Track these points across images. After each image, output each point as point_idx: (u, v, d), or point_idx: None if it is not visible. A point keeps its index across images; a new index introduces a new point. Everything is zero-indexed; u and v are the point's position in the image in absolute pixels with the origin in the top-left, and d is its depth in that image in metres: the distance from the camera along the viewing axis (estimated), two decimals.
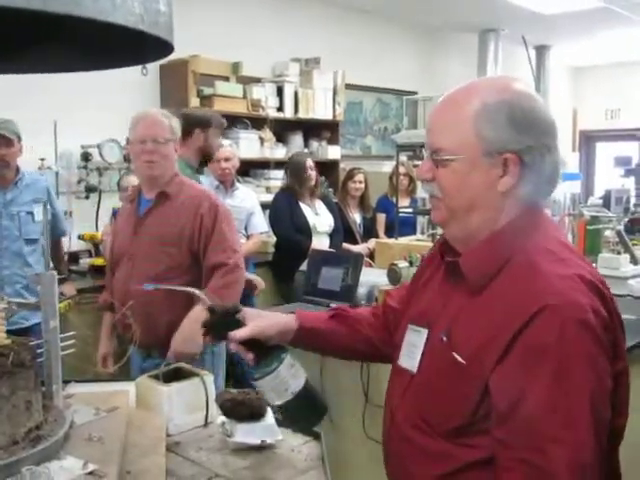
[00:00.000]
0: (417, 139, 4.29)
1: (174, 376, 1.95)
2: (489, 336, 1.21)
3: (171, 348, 2.57)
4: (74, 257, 4.78)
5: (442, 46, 8.39)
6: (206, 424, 1.92)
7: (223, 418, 1.84)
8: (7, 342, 1.46)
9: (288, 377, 1.51)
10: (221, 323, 1.52)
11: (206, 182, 4.40)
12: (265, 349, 1.53)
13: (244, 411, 1.81)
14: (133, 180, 3.90)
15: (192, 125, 3.50)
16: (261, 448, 1.78)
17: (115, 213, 3.68)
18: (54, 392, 1.62)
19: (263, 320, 1.56)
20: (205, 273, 2.66)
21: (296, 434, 1.89)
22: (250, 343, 1.51)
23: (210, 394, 1.92)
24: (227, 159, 4.46)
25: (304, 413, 1.59)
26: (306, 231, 4.83)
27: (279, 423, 1.85)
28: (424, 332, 1.41)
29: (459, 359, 1.26)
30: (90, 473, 1.36)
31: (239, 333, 1.49)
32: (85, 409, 1.68)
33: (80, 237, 4.86)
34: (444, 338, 1.32)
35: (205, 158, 3.69)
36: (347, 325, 1.68)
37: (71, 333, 1.65)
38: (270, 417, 1.85)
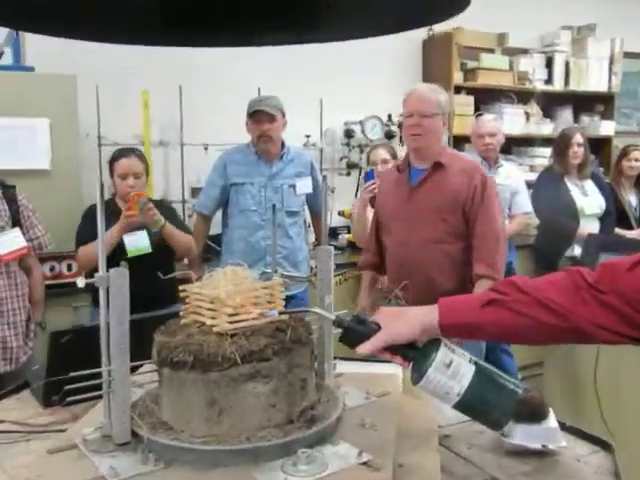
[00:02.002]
0: None
1: None
2: None
3: None
4: (333, 232, 4.88)
5: None
6: None
7: None
8: (284, 317, 1.43)
9: (445, 379, 1.27)
10: (352, 334, 1.31)
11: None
12: (416, 349, 1.31)
13: (524, 410, 1.62)
14: (382, 153, 3.88)
15: None
16: (541, 453, 1.58)
17: (368, 176, 3.63)
18: (326, 371, 1.58)
19: (399, 321, 1.32)
20: (474, 241, 2.79)
21: (582, 442, 1.67)
22: (395, 346, 1.30)
23: None
24: (491, 134, 4.23)
25: (484, 414, 1.34)
26: (572, 213, 4.42)
27: (562, 427, 1.63)
28: None
29: None
30: (364, 463, 1.27)
31: (370, 344, 1.29)
32: (356, 392, 1.61)
33: (340, 213, 4.94)
34: None
35: None
36: (509, 310, 1.29)
37: (344, 311, 1.58)
38: (553, 420, 1.63)
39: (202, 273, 1.52)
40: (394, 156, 3.92)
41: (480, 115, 4.97)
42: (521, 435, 1.60)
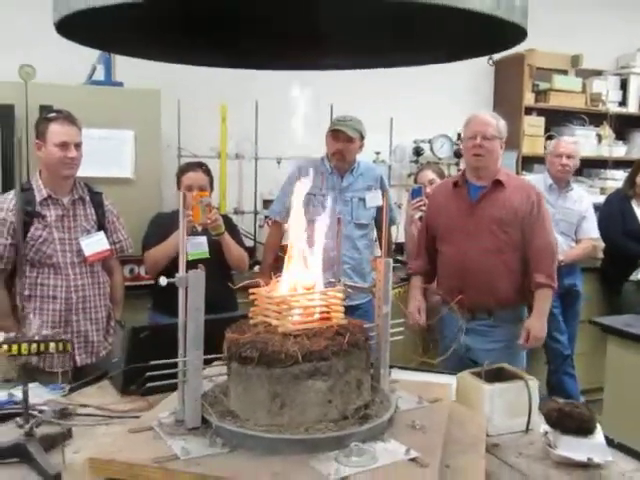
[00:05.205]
0: None
1: (497, 376, 1.91)
2: None
3: (528, 331, 2.99)
4: (400, 248, 4.96)
5: None
6: (527, 430, 1.83)
7: (547, 427, 1.73)
8: (344, 322, 1.55)
9: None
10: None
11: (537, 179, 4.26)
12: None
13: (571, 424, 1.69)
14: (429, 174, 4.06)
15: None
16: (587, 466, 1.64)
17: (414, 193, 3.82)
18: (381, 375, 1.68)
19: None
20: (532, 253, 3.03)
21: (629, 458, 1.72)
22: None
23: (534, 400, 1.84)
24: (570, 156, 4.24)
25: None
26: (638, 237, 4.39)
27: (609, 443, 1.69)
28: None
29: None
30: (412, 460, 1.37)
31: None
32: (408, 396, 1.71)
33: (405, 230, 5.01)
34: None
35: None
36: None
37: (401, 320, 1.69)
38: (600, 434, 1.70)
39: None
40: (441, 176, 4.08)
41: (553, 137, 5.00)
42: (567, 447, 1.67)
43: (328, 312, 1.55)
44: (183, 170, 3.45)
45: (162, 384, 1.48)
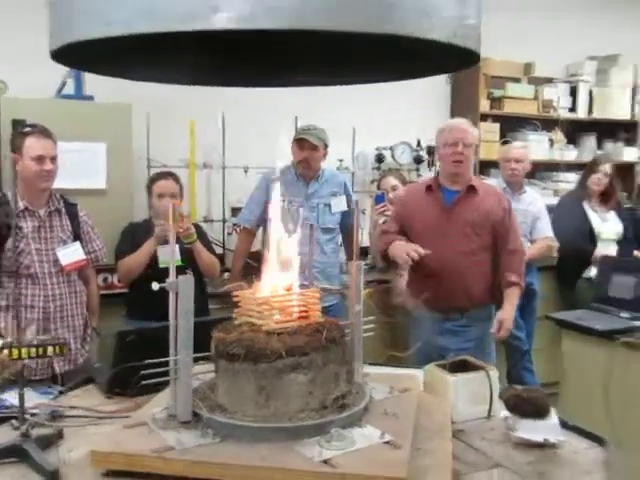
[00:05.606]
0: None
1: (460, 368, 2.07)
2: None
3: (500, 324, 3.13)
4: (364, 252, 5.11)
5: None
6: (489, 416, 2.00)
7: (507, 413, 1.90)
8: (321, 320, 1.69)
9: None
10: None
11: (492, 183, 4.45)
12: None
13: (528, 408, 1.86)
14: (392, 180, 4.32)
15: None
16: (543, 446, 1.81)
17: (378, 199, 4.04)
18: (356, 368, 1.83)
19: None
20: (503, 255, 3.22)
21: (580, 438, 1.89)
22: None
23: (494, 388, 2.00)
24: (518, 160, 4.44)
25: None
26: (590, 238, 4.64)
27: (563, 424, 1.86)
28: None
29: None
30: (387, 443, 1.52)
31: None
32: (381, 387, 1.86)
33: (370, 234, 5.18)
34: None
35: None
36: None
37: (371, 317, 1.84)
38: (554, 417, 1.87)
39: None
40: (403, 182, 4.29)
41: (508, 142, 5.21)
42: (525, 429, 1.84)
43: (307, 311, 1.69)
44: (154, 179, 3.55)
45: (155, 382, 1.60)
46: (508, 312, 3.17)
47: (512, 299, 3.20)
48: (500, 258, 3.22)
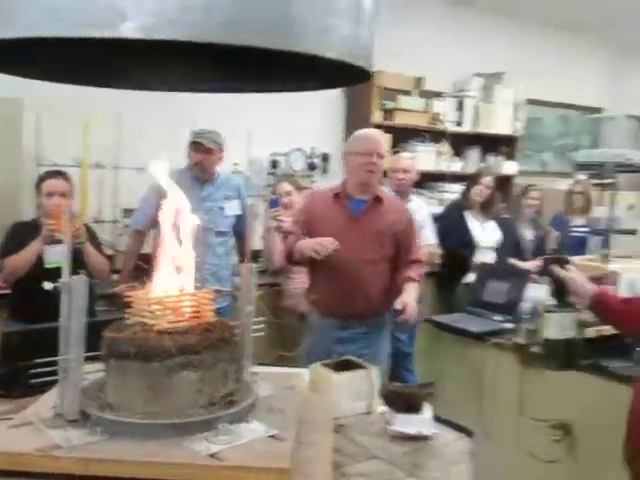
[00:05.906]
0: (599, 158, 4.21)
1: (343, 367, 2.18)
2: None
3: (405, 304, 3.08)
4: (256, 254, 5.18)
5: (635, 63, 8.02)
6: (369, 412, 2.12)
7: (384, 408, 2.04)
8: (212, 320, 1.76)
9: None
10: None
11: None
12: None
13: (403, 403, 2.01)
14: (286, 186, 4.49)
15: None
16: (417, 438, 1.95)
17: (272, 203, 4.28)
18: (244, 367, 1.90)
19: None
20: (405, 263, 3.30)
21: (451, 430, 2.05)
22: None
23: (375, 386, 2.13)
24: (405, 171, 4.62)
25: None
26: (470, 245, 4.91)
27: (436, 418, 2.02)
28: None
29: None
30: (272, 436, 1.61)
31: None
32: (268, 385, 1.94)
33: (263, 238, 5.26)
34: None
35: None
36: None
37: (261, 318, 1.92)
38: (428, 411, 2.02)
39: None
40: (297, 188, 4.41)
41: (397, 152, 5.43)
42: (400, 423, 1.98)
43: (199, 311, 1.75)
44: (43, 178, 3.48)
45: (42, 382, 1.61)
46: (409, 296, 3.15)
47: (411, 291, 3.20)
48: (401, 267, 3.29)
